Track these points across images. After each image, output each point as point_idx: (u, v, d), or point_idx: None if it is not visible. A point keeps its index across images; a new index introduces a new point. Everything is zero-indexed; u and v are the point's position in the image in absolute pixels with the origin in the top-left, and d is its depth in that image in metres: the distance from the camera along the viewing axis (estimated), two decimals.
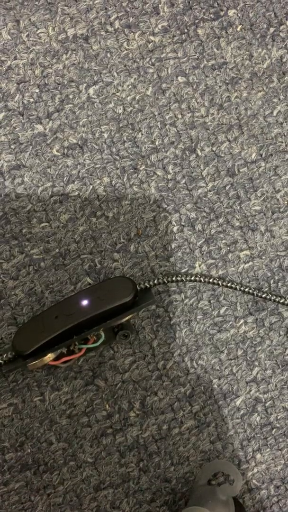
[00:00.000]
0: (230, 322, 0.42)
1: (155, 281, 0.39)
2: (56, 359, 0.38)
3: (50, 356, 0.37)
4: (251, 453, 0.42)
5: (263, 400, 0.42)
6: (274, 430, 0.42)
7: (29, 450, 0.41)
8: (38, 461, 0.41)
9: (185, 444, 0.42)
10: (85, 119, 0.41)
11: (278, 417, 0.42)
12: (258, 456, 0.42)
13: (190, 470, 0.42)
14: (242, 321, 0.42)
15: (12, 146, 0.41)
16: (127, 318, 0.38)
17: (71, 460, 0.41)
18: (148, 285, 0.39)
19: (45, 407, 0.41)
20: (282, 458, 0.42)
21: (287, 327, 0.42)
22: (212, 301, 0.42)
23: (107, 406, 0.41)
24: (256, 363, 0.42)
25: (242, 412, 0.42)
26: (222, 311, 0.42)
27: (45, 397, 0.41)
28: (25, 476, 0.41)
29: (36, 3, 0.41)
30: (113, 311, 0.36)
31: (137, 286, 0.38)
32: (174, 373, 0.42)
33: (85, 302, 0.36)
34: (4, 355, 0.37)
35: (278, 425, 0.42)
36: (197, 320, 0.42)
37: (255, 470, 0.42)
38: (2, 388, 0.40)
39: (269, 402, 0.42)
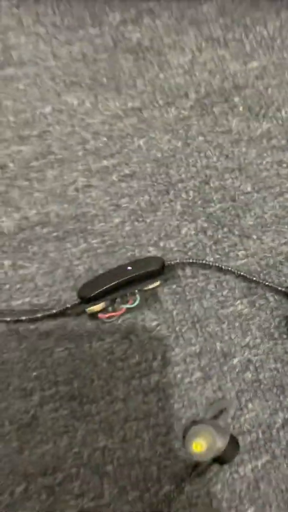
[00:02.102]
0: (230, 302, 0.56)
1: (177, 261, 0.55)
2: (103, 313, 0.53)
3: (102, 305, 0.51)
4: (244, 403, 0.53)
5: (254, 362, 0.55)
6: (262, 385, 0.54)
7: (76, 385, 0.53)
8: (82, 394, 0.53)
9: (194, 390, 0.54)
10: (136, 159, 0.60)
11: (266, 376, 0.54)
12: (250, 405, 0.53)
13: (196, 412, 0.53)
14: (239, 301, 0.56)
15: (86, 173, 0.59)
16: (156, 284, 0.53)
17: (107, 395, 0.53)
18: (172, 263, 0.54)
19: (91, 352, 0.54)
20: (268, 409, 0.53)
21: (271, 308, 0.56)
22: (217, 285, 0.57)
23: (137, 356, 0.54)
24: (249, 333, 0.55)
25: (237, 369, 0.54)
26: (224, 293, 0.57)
27: (92, 345, 0.54)
28: (71, 406, 0.53)
29: (108, 86, 0.63)
30: (147, 275, 0.52)
31: (164, 262, 0.53)
32: (187, 335, 0.55)
33: (128, 268, 0.52)
34: (72, 300, 0.52)
35: (265, 382, 0.54)
36: (206, 298, 0.56)
37: (247, 416, 0.53)
38: (62, 336, 0.54)
39: (259, 363, 0.55)
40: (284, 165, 0.61)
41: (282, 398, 0.53)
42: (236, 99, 0.63)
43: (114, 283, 0.51)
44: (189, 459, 0.50)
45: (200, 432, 0.48)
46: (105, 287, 0.50)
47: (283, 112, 0.63)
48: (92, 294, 0.50)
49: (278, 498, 0.50)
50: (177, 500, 0.50)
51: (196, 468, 0.50)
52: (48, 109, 0.62)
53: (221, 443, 0.48)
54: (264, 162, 0.61)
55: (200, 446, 0.47)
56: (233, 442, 0.50)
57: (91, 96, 0.62)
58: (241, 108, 0.63)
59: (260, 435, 0.53)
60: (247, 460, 0.51)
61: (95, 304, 0.50)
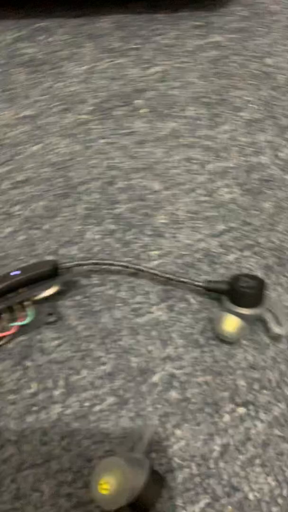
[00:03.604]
0: (145, 308, 0.47)
1: (74, 263, 0.46)
2: None
3: None
4: (170, 429, 0.42)
5: (178, 376, 0.44)
6: (191, 405, 0.43)
7: None
8: None
9: (106, 421, 0.42)
10: (30, 165, 0.54)
11: (194, 392, 0.44)
12: (178, 432, 0.42)
13: (111, 448, 0.41)
14: (155, 307, 0.47)
15: None
16: (50, 292, 0.44)
17: None
18: (67, 266, 0.45)
19: None
20: (201, 434, 0.42)
21: (193, 311, 0.47)
22: (129, 292, 0.48)
23: (32, 385, 0.43)
24: (169, 343, 0.46)
25: (159, 388, 0.44)
26: (138, 299, 0.48)
27: None
28: None
29: (0, 97, 0.58)
30: (36, 279, 0.42)
31: (57, 264, 0.45)
32: (95, 353, 0.45)
33: (13, 273, 0.43)
34: None
35: (194, 400, 0.43)
36: (117, 307, 0.47)
37: (176, 447, 0.42)
38: None
39: (184, 378, 0.44)
40: (193, 161, 0.56)
41: (218, 419, 0.42)
42: (137, 102, 0.59)
43: None
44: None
45: (108, 467, 0.36)
46: None
47: (187, 112, 0.59)
48: None
49: None
50: None
51: None
52: None
53: (137, 481, 0.37)
54: (171, 160, 0.56)
55: (108, 486, 0.35)
56: (155, 479, 0.38)
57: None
58: (141, 111, 0.59)
59: (195, 470, 0.41)
60: (181, 507, 0.39)
61: None
